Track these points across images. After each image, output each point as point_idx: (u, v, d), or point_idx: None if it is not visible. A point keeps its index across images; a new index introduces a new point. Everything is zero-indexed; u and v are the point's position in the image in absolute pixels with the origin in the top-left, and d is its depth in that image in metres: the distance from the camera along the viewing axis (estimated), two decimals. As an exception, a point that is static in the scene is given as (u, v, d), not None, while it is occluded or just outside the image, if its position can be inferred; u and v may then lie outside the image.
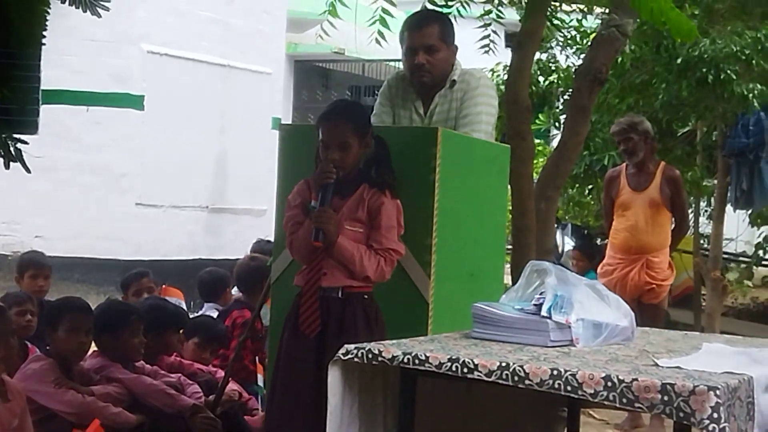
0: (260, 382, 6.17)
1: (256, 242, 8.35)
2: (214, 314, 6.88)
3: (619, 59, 8.87)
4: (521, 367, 3.00)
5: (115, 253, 11.56)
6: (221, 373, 5.94)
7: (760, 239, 12.77)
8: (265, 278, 5.42)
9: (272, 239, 5.16)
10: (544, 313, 3.42)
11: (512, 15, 6.88)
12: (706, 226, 12.42)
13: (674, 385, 2.81)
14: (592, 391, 2.89)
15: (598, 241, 12.58)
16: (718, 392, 2.76)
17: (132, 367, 5.30)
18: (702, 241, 11.62)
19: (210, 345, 6.24)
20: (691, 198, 10.80)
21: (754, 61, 8.92)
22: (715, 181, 11.31)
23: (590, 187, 11.64)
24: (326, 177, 4.31)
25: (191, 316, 6.67)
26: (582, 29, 10.12)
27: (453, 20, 5.53)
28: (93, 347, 5.31)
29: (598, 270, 7.86)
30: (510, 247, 6.57)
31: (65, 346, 5.04)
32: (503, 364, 3.02)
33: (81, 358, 5.14)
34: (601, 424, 7.26)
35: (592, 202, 12.28)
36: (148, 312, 5.67)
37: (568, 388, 2.92)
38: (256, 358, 6.33)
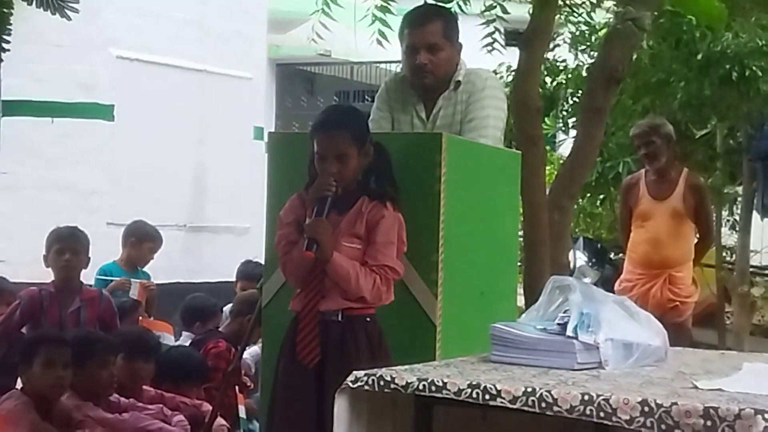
0: (242, 414, 6.15)
1: (242, 264, 8.24)
2: (188, 343, 6.88)
3: (635, 56, 8.86)
4: (548, 392, 2.97)
5: (85, 277, 11.45)
6: (207, 406, 5.94)
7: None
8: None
9: (260, 260, 5.12)
10: (569, 332, 3.38)
11: (515, 11, 6.86)
12: (728, 237, 12.42)
13: (718, 409, 2.78)
14: (628, 418, 2.86)
15: (612, 256, 12.62)
16: (766, 416, 2.74)
17: (106, 402, 5.25)
18: (724, 254, 11.62)
19: (186, 381, 6.23)
20: (713, 206, 10.80)
21: (781, 57, 8.96)
22: (737, 188, 11.33)
23: (602, 196, 11.65)
24: (325, 191, 4.28)
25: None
26: (592, 24, 10.14)
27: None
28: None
29: (616, 287, 7.83)
30: (521, 263, 6.54)
31: (41, 382, 4.96)
32: (528, 390, 2.99)
33: (60, 395, 5.05)
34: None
35: (605, 213, 12.30)
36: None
37: (601, 414, 2.89)
38: (236, 387, 6.31)
